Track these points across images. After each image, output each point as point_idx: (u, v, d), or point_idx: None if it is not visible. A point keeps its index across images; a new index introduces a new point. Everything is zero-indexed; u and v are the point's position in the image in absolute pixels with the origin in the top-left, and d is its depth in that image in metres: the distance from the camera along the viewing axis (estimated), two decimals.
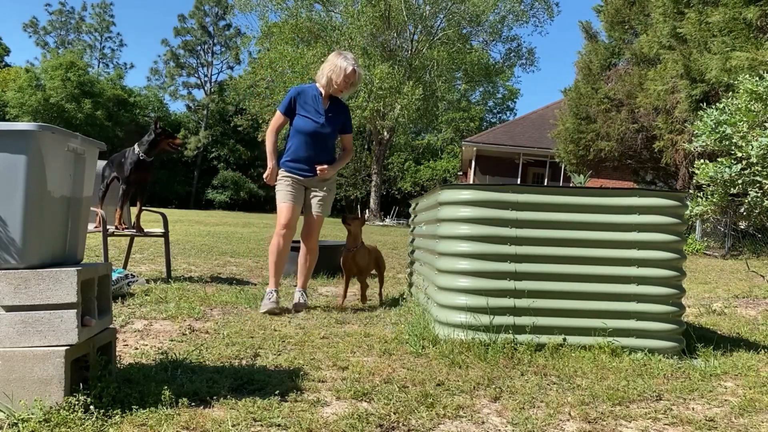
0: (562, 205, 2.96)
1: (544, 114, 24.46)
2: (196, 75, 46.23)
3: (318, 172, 3.86)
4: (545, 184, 21.40)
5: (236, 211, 37.08)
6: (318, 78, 3.94)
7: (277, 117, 3.95)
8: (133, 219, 4.89)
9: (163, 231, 4.85)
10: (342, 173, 32.88)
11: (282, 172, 3.92)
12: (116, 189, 4.69)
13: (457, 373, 2.49)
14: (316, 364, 2.53)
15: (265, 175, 3.91)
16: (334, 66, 3.85)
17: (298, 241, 4.05)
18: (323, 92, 3.93)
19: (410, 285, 4.56)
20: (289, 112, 3.92)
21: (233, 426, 1.78)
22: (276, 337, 3.01)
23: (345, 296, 4.16)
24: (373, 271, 4.40)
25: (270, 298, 3.71)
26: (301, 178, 3.90)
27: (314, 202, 3.95)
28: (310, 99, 3.91)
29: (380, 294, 4.38)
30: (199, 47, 45.96)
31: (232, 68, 47.37)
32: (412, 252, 4.58)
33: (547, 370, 2.58)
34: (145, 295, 4.02)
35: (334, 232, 14.42)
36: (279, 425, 1.82)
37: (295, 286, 4.02)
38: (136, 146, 4.52)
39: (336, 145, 4.13)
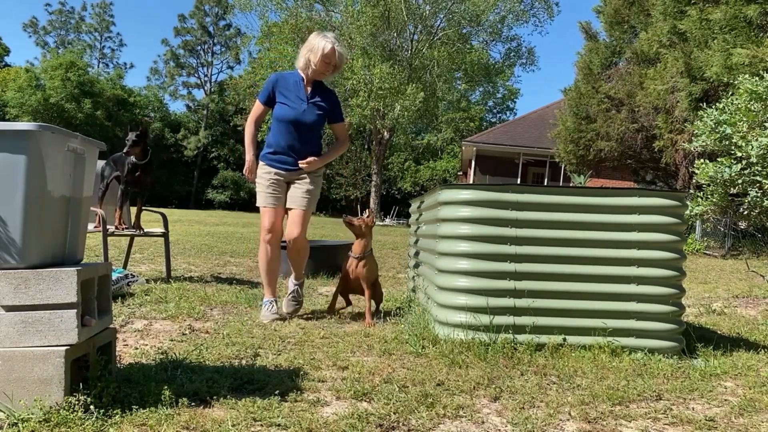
0: (562, 205, 2.96)
1: (544, 114, 24.47)
2: (196, 75, 46.28)
3: (301, 165, 3.55)
4: (545, 184, 21.39)
5: (236, 211, 37.08)
6: (297, 62, 3.66)
7: (257, 107, 3.64)
8: (133, 219, 4.90)
9: (163, 231, 4.85)
10: (342, 173, 32.87)
11: (262, 167, 3.62)
12: (116, 189, 4.70)
13: (457, 373, 2.49)
14: (316, 364, 2.53)
15: (244, 170, 3.62)
16: (312, 46, 3.54)
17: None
18: (305, 78, 3.63)
19: (411, 285, 4.56)
20: (269, 102, 3.62)
21: (233, 426, 1.78)
22: (276, 336, 3.01)
23: (333, 307, 3.71)
24: None
25: (270, 309, 3.53)
26: (283, 172, 3.60)
27: (298, 195, 3.60)
28: (291, 85, 3.60)
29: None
30: (199, 47, 46.01)
31: (232, 68, 47.47)
32: (413, 252, 4.58)
33: (547, 370, 2.58)
34: (145, 295, 4.02)
35: (334, 232, 14.42)
36: (279, 425, 1.82)
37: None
38: None
39: (324, 134, 3.76)
